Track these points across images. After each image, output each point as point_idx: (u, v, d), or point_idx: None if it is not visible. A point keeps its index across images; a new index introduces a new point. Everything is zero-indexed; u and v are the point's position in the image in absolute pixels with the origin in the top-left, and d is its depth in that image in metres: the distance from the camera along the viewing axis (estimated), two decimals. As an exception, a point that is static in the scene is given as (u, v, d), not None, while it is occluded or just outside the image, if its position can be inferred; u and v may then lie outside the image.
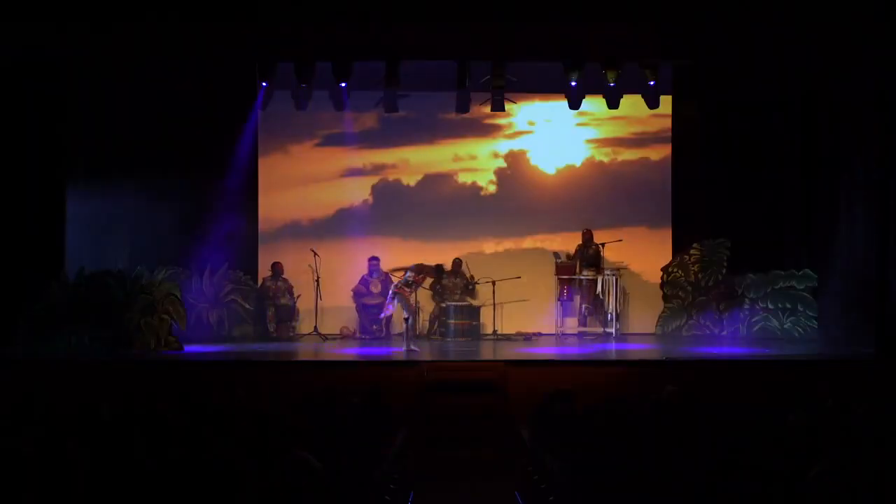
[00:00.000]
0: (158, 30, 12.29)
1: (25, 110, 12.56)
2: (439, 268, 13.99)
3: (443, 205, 14.81)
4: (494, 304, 13.97)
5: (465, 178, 14.94)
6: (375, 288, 14.11)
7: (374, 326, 14.00)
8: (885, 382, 9.74)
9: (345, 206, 14.85)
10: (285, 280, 14.07)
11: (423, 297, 14.11)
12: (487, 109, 14.62)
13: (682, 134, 14.72)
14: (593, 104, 14.79)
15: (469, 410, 10.44)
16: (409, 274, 12.57)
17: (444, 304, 13.97)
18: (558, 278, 14.04)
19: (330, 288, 14.14)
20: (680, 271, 14.32)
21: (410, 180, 14.93)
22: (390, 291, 12.48)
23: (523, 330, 14.12)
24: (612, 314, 13.86)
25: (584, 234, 14.20)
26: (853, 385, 9.51)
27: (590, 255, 14.07)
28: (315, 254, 14.11)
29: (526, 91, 14.56)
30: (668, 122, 14.84)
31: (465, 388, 10.57)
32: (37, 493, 3.49)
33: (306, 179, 14.86)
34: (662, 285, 14.47)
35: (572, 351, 12.61)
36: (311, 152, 14.89)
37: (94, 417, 5.72)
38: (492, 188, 14.94)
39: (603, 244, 14.05)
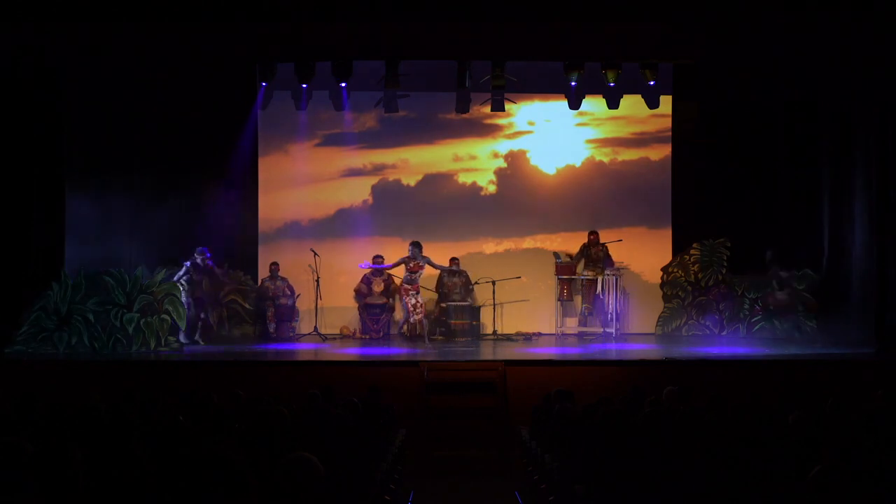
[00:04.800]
0: (158, 30, 12.30)
1: (25, 111, 12.55)
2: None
3: (443, 205, 14.80)
4: (494, 304, 13.97)
5: (465, 178, 14.94)
6: (378, 287, 14.11)
7: (374, 326, 14.03)
8: (886, 382, 9.73)
9: (345, 206, 14.85)
10: (284, 279, 14.07)
11: (424, 297, 14.08)
12: (487, 109, 14.64)
13: (682, 134, 14.71)
14: (593, 104, 14.79)
15: (469, 410, 10.45)
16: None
17: (444, 304, 13.97)
18: (558, 278, 14.04)
19: (330, 288, 14.14)
20: (680, 271, 14.32)
21: (410, 180, 14.92)
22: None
23: (523, 330, 14.12)
24: (612, 314, 13.85)
25: (589, 235, 14.12)
26: (853, 385, 9.52)
27: (597, 256, 14.01)
28: (315, 254, 14.11)
29: (526, 91, 14.56)
30: (668, 122, 14.84)
31: (464, 388, 10.58)
32: (36, 493, 3.49)
33: (306, 179, 14.86)
34: (662, 285, 14.47)
35: (572, 351, 12.62)
36: (311, 152, 14.88)
37: (94, 417, 5.71)
38: (492, 188, 14.94)
39: (604, 244, 14.05)
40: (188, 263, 12.80)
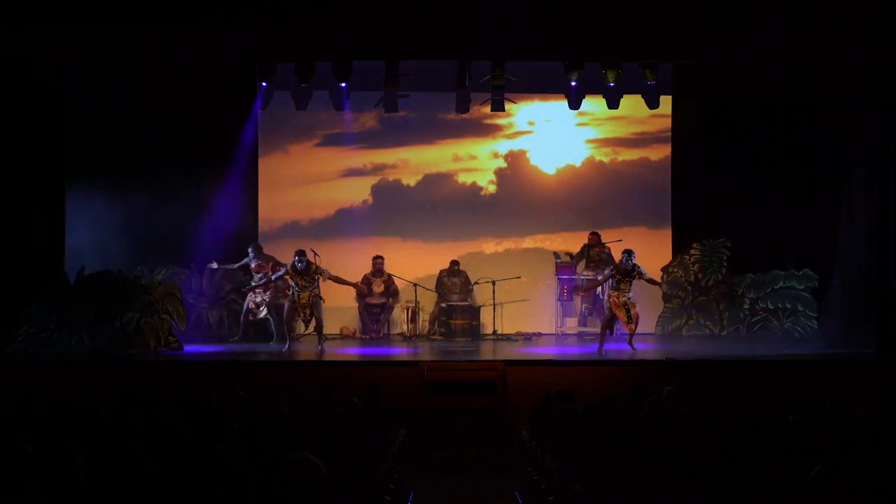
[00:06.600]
0: (158, 30, 12.30)
1: (25, 111, 12.55)
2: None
3: (443, 205, 14.80)
4: (494, 304, 13.95)
5: (465, 178, 14.94)
6: (378, 287, 14.11)
7: (374, 326, 14.03)
8: (886, 382, 9.73)
9: (345, 206, 14.85)
10: (284, 279, 14.03)
11: (424, 297, 14.09)
12: (487, 109, 14.64)
13: (682, 134, 14.71)
14: (593, 104, 14.78)
15: (469, 410, 10.45)
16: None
17: (444, 304, 13.97)
18: (558, 278, 14.04)
19: (330, 288, 14.11)
20: (680, 271, 14.30)
21: (410, 180, 14.92)
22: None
23: (523, 330, 14.12)
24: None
25: (590, 236, 14.11)
26: (853, 385, 9.51)
27: (598, 257, 13.98)
28: (315, 254, 14.07)
29: (526, 91, 14.56)
30: (668, 122, 14.83)
31: (464, 388, 10.58)
32: (36, 493, 3.50)
33: (306, 179, 14.86)
34: (662, 285, 14.44)
35: (572, 351, 12.62)
36: (311, 152, 14.89)
37: (94, 417, 5.71)
38: (492, 188, 14.94)
39: (606, 245, 14.03)
40: (284, 268, 12.49)
